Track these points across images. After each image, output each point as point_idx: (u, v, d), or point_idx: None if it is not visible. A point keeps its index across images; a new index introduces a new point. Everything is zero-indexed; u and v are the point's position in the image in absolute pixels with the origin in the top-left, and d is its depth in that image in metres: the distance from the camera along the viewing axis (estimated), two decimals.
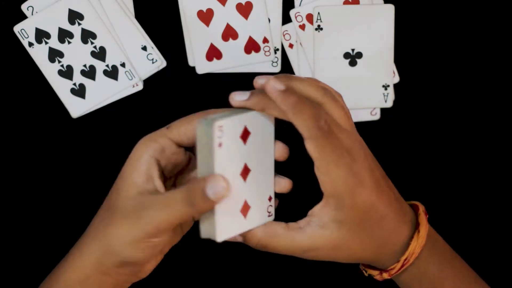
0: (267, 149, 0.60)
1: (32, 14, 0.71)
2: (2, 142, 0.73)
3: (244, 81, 0.74)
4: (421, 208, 0.64)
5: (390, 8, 0.73)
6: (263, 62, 0.74)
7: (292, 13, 0.74)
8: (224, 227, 0.57)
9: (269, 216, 0.61)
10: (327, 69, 0.74)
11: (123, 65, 0.72)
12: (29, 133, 0.74)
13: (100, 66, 0.72)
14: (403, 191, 0.77)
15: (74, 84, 0.72)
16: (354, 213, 0.59)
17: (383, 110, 0.75)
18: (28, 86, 0.73)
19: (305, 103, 0.57)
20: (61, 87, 0.72)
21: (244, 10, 0.73)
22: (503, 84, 0.76)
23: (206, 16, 0.73)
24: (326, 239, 0.60)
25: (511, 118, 0.77)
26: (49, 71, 0.72)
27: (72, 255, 0.62)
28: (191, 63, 0.74)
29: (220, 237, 0.57)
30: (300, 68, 0.74)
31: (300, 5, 0.74)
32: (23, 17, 0.71)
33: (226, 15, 0.73)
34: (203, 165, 0.57)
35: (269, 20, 0.74)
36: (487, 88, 0.76)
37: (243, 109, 0.59)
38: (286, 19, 0.74)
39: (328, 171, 0.58)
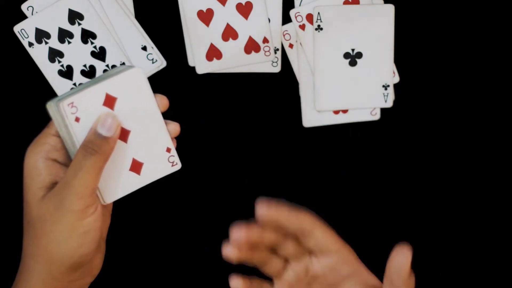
0: (148, 106, 0.62)
1: (32, 14, 0.71)
2: (2, 142, 0.73)
3: (244, 81, 0.74)
4: None
5: (390, 8, 0.73)
6: (263, 62, 0.74)
7: (292, 13, 0.74)
8: (111, 189, 0.61)
9: (173, 165, 0.63)
10: (327, 69, 0.74)
11: (123, 65, 0.72)
12: (29, 133, 0.74)
13: (100, 66, 0.72)
14: (403, 191, 0.77)
15: (74, 84, 0.72)
16: None
17: (383, 110, 0.75)
18: (28, 86, 0.73)
19: None
20: (61, 87, 0.72)
21: (244, 10, 0.73)
22: (503, 84, 0.76)
23: (206, 16, 0.73)
24: None
25: (510, 116, 0.77)
26: (49, 71, 0.72)
27: (19, 285, 0.61)
28: (191, 63, 0.74)
29: (107, 200, 0.61)
30: (300, 68, 0.74)
31: (300, 5, 0.74)
32: (23, 17, 0.71)
33: (226, 15, 0.73)
34: (68, 143, 0.60)
35: (269, 20, 0.74)
36: (487, 88, 0.76)
37: (108, 74, 0.61)
38: (286, 19, 0.74)
39: None
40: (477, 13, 0.76)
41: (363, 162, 0.76)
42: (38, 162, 0.60)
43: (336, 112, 0.75)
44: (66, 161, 0.61)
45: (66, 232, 0.58)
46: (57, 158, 0.61)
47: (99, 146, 0.58)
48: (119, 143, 0.61)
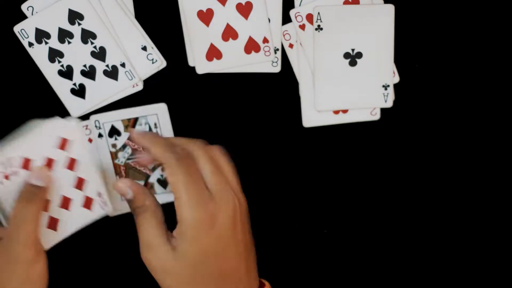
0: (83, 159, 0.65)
1: (32, 14, 0.71)
2: None
3: (244, 81, 0.75)
4: None
5: (390, 8, 0.73)
6: (263, 62, 0.74)
7: (292, 13, 0.74)
8: (48, 236, 0.64)
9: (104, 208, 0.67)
10: (327, 69, 0.74)
11: (123, 65, 0.72)
12: None
13: (100, 66, 0.72)
14: (402, 192, 0.77)
15: (74, 84, 0.72)
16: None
17: (383, 110, 0.75)
18: (28, 86, 0.73)
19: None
20: (61, 87, 0.72)
21: (244, 10, 0.73)
22: (503, 84, 0.76)
23: (206, 16, 0.73)
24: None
25: (510, 116, 0.77)
26: (49, 71, 0.72)
27: None
28: (191, 63, 0.74)
29: (46, 245, 0.64)
30: (300, 68, 0.74)
31: (300, 5, 0.74)
32: (23, 17, 0.71)
33: (226, 15, 0.73)
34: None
35: (269, 20, 0.74)
36: (487, 88, 0.76)
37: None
38: (286, 19, 0.74)
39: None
40: (477, 13, 0.76)
41: (363, 162, 0.76)
42: None
43: (336, 112, 0.75)
44: None
45: (20, 282, 0.60)
46: None
47: (36, 194, 0.62)
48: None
